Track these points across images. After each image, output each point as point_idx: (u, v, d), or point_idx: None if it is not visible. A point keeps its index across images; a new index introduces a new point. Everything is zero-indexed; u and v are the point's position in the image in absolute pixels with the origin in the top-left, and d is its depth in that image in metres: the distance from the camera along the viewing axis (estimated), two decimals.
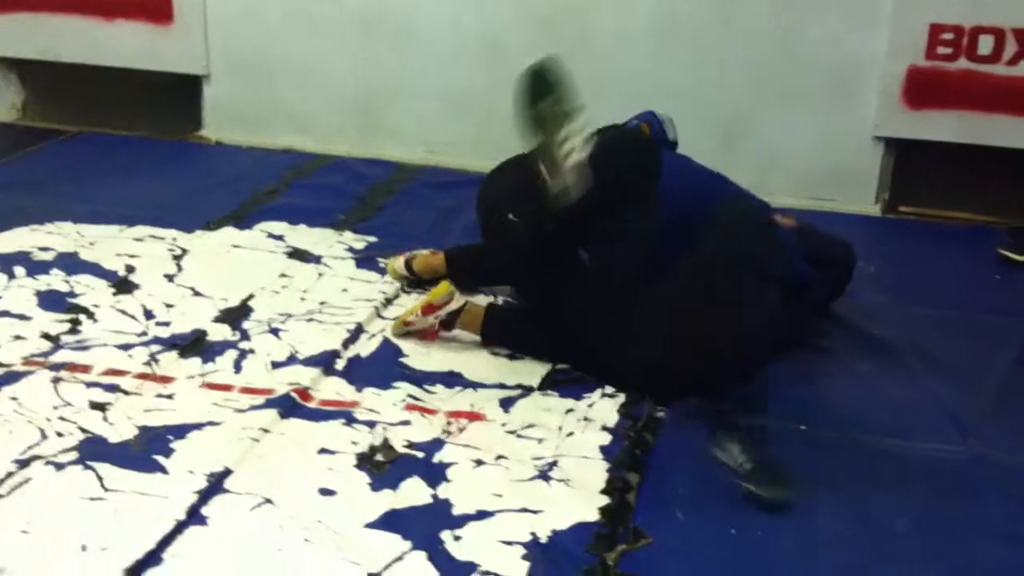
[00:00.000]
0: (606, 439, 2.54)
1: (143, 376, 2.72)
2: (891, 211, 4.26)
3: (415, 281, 3.28)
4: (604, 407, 2.67)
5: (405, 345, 2.94)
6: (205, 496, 2.24)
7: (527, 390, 2.75)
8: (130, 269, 3.32)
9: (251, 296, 3.16)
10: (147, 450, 2.40)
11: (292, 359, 2.83)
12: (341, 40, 4.59)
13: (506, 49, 4.43)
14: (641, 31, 4.32)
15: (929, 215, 4.23)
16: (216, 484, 2.28)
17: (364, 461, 2.40)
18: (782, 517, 2.27)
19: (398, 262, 3.31)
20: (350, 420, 2.56)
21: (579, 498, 2.30)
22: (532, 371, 2.83)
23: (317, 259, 3.46)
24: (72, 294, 3.13)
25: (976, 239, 3.90)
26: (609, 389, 2.75)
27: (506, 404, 2.68)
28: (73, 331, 2.92)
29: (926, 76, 4.09)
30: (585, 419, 2.61)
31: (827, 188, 4.28)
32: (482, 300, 3.06)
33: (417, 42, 4.52)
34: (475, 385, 2.76)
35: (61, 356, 2.78)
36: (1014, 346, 3.04)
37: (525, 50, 4.43)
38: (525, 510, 2.25)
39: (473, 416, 2.62)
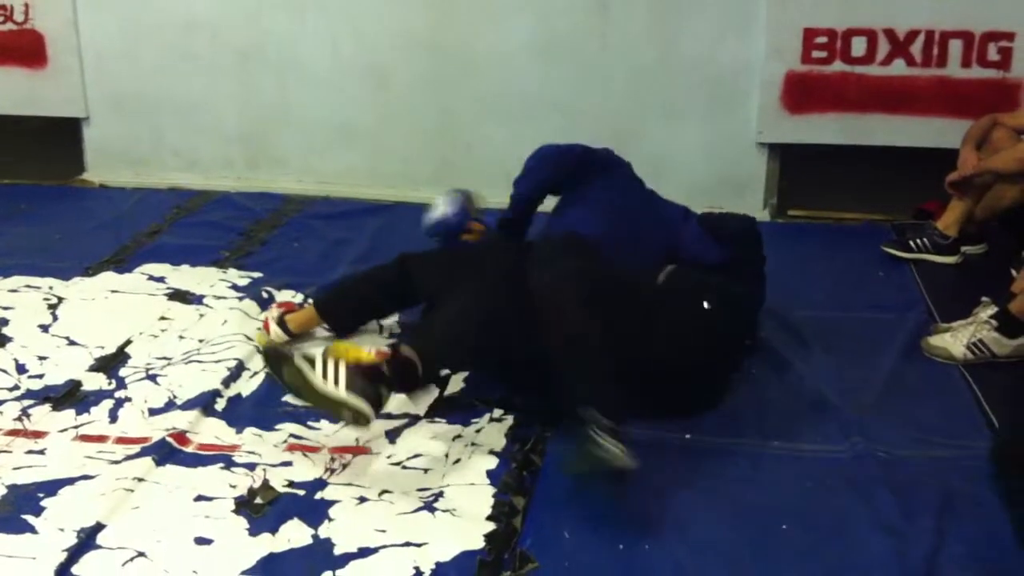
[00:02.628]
0: (493, 463, 2.49)
1: (14, 432, 2.61)
2: (780, 215, 4.30)
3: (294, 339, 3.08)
4: (492, 431, 2.63)
5: None
6: (75, 554, 2.15)
7: (414, 419, 2.70)
8: (3, 322, 3.20)
9: (128, 342, 3.06)
10: (15, 510, 2.30)
11: (170, 404, 2.74)
12: (222, 73, 4.51)
13: (390, 75, 4.41)
14: (522, 50, 4.32)
15: (818, 217, 4.28)
16: (87, 540, 2.19)
17: (243, 505, 2.33)
18: (672, 529, 2.26)
19: (272, 330, 3.03)
20: (229, 464, 2.48)
21: (465, 527, 2.25)
22: (416, 401, 2.77)
23: (199, 299, 3.36)
24: None
25: (862, 238, 3.94)
26: (497, 413, 2.71)
27: (392, 435, 2.62)
28: None
29: (804, 80, 4.14)
30: (472, 444, 2.57)
31: (716, 196, 4.28)
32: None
33: (299, 72, 4.47)
34: None
35: None
36: (895, 342, 3.07)
37: (409, 75, 4.47)
38: (408, 544, 2.20)
39: (358, 451, 2.56)
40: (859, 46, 4.08)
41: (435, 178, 4.49)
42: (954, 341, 2.97)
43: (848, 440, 2.57)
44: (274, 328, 3.05)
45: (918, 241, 3.73)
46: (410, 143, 4.49)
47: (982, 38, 3.97)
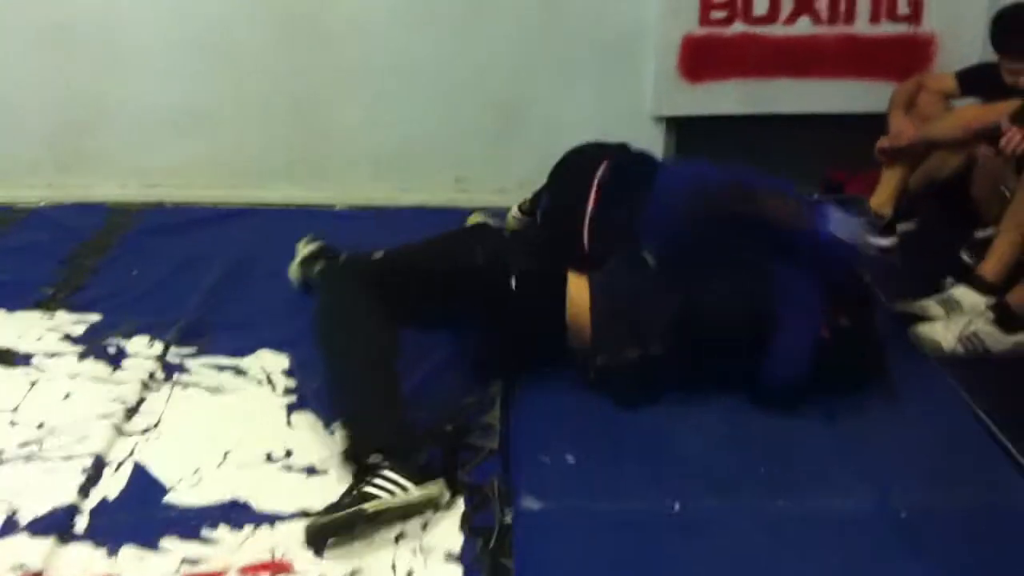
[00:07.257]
0: (456, 572, 1.98)
1: None
2: None
3: None
4: (443, 526, 2.09)
5: (164, 473, 2.24)
6: None
7: None
8: None
9: None
10: None
11: (10, 524, 2.06)
12: (21, 55, 3.71)
13: (230, 51, 3.74)
14: (384, 17, 3.73)
15: None
16: None
17: None
18: None
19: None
20: None
21: None
22: (338, 485, 2.20)
23: (26, 360, 2.65)
24: None
25: None
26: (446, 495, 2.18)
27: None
28: None
29: (702, 44, 3.75)
30: (421, 549, 2.04)
31: None
32: None
33: (120, 51, 3.72)
34: (270, 518, 2.12)
35: None
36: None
37: (257, 52, 3.77)
38: None
39: (277, 568, 1.99)
40: (761, 4, 3.74)
41: (287, 173, 3.89)
42: (945, 332, 2.66)
43: None
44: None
45: None
46: (256, 132, 3.85)
47: None
